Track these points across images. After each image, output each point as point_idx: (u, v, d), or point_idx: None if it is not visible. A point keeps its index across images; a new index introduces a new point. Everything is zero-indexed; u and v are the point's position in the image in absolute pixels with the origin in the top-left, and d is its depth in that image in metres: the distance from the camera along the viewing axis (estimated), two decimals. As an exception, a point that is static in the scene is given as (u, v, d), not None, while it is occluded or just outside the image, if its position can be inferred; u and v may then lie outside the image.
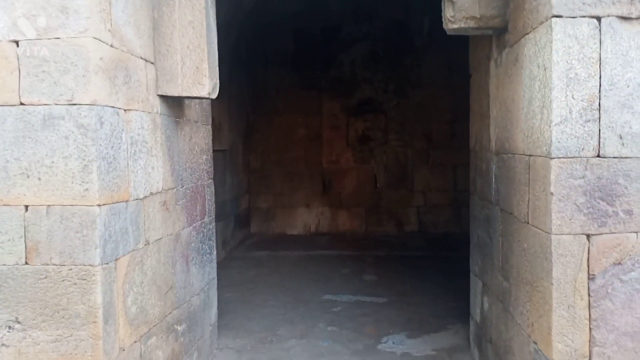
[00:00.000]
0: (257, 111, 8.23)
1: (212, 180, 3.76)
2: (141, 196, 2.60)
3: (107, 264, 2.27)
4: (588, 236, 2.10)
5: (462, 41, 8.05)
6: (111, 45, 2.32)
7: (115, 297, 2.35)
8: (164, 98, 2.89)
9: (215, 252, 3.79)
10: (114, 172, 2.32)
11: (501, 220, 2.81)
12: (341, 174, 8.23)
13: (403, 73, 8.11)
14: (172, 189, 3.02)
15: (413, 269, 5.98)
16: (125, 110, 2.43)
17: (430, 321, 4.35)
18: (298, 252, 6.97)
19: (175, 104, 3.07)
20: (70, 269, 2.23)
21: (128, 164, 2.46)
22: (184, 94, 2.85)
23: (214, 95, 2.98)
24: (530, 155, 2.31)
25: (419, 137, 8.11)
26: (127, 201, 2.44)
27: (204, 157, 3.60)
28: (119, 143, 2.37)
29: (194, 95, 2.85)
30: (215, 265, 3.77)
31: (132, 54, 2.51)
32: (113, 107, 2.32)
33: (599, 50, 2.04)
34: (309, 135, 8.22)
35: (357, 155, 8.22)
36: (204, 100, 3.48)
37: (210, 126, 3.78)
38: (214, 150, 6.53)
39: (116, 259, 2.35)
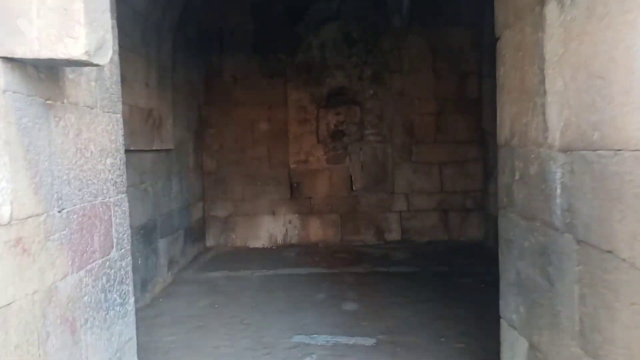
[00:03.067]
0: (211, 102, 7.00)
1: (124, 195, 2.56)
2: (-53, 239, 1.39)
3: None
4: None
5: (448, 20, 6.95)
6: None
7: None
8: (11, 63, 1.69)
9: (132, 300, 2.59)
10: None
11: (578, 257, 1.72)
12: (311, 176, 7.09)
13: (380, 58, 7.03)
14: (38, 215, 1.81)
15: (401, 292, 4.89)
16: None
17: (437, 375, 3.26)
18: (262, 272, 5.79)
19: (42, 76, 1.86)
20: None
21: None
22: (44, 55, 1.65)
23: (101, 59, 1.78)
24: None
25: (399, 131, 7.04)
26: None
27: (108, 161, 2.39)
28: None
29: (60, 56, 1.65)
30: (132, 319, 2.58)
31: None
32: None
33: None
34: (273, 130, 7.05)
35: (330, 154, 7.10)
36: (105, 72, 2.29)
37: (120, 115, 2.57)
38: (154, 150, 5.30)
39: None
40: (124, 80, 4.55)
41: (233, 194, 7.06)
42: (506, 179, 2.41)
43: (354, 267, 5.88)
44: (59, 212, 1.95)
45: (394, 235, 7.06)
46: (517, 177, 2.27)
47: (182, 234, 6.08)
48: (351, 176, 7.09)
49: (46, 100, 1.90)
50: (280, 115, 7.03)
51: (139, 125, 4.77)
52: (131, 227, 4.71)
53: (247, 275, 5.68)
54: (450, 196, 7.00)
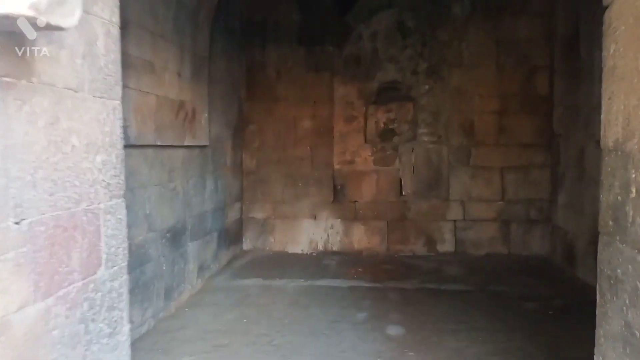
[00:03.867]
0: (253, 97, 6.58)
1: (120, 201, 2.10)
2: None
3: None
4: None
5: (514, 9, 6.32)
6: None
7: None
8: None
9: (126, 328, 2.13)
10: None
11: None
12: (357, 178, 6.53)
13: (438, 50, 6.37)
14: (-19, 229, 1.36)
15: (454, 316, 4.25)
16: None
17: None
18: (298, 282, 5.29)
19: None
20: None
21: None
22: (-27, 9, 1.19)
23: (62, 20, 1.32)
24: None
25: (456, 131, 6.37)
26: None
27: (98, 157, 1.94)
28: None
29: (-5, 10, 1.19)
30: (125, 352, 2.11)
31: None
32: None
33: None
34: (317, 128, 6.54)
35: (378, 155, 6.52)
36: (98, 47, 1.84)
37: (118, 102, 2.11)
38: (186, 147, 4.90)
39: None
40: (152, 68, 4.18)
41: (273, 195, 6.60)
42: (614, 195, 1.77)
43: (400, 282, 5.28)
44: (17, 223, 1.51)
45: (447, 246, 6.40)
46: (633, 194, 1.63)
47: (216, 236, 5.67)
48: (401, 180, 6.48)
49: (2, 77, 1.45)
50: (325, 112, 6.51)
51: (168, 118, 4.37)
52: (157, 230, 4.34)
53: (282, 285, 5.19)
54: (512, 205, 6.26)
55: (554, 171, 6.07)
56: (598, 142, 4.62)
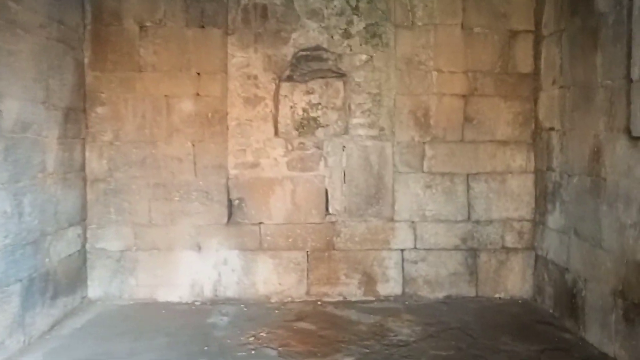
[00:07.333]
0: (103, 64, 4.32)
1: None
2: None
3: None
4: None
5: None
6: None
7: None
8: None
9: None
10: None
11: None
12: (263, 189, 4.45)
13: (380, 3, 4.45)
14: None
15: None
16: None
17: None
18: (156, 369, 3.14)
19: None
20: None
21: None
22: None
23: None
24: None
25: (406, 122, 4.47)
26: None
27: None
28: None
29: None
30: None
31: None
32: None
33: None
34: (204, 113, 4.39)
35: (295, 154, 4.48)
36: None
37: None
38: None
39: None
40: None
41: (135, 214, 4.37)
42: None
43: (328, 358, 3.27)
44: None
45: (392, 287, 4.48)
46: None
47: (18, 290, 3.36)
48: (327, 191, 4.48)
49: None
50: (216, 90, 4.38)
51: None
52: None
53: (125, 380, 3.01)
54: (482, 227, 4.46)
55: (541, 179, 4.34)
56: (636, 138, 2.62)
